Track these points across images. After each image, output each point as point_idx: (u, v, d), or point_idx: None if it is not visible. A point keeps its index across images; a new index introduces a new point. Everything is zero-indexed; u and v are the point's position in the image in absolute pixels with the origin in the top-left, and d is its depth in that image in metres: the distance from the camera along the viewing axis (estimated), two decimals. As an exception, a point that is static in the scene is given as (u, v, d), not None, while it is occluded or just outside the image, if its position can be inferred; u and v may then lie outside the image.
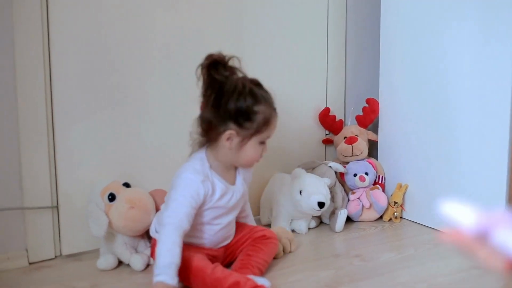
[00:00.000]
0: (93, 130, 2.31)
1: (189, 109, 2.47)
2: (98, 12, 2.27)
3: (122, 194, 2.20)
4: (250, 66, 2.58)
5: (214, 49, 2.47)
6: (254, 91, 1.99)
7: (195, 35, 2.46)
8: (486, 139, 2.32)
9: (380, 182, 2.77)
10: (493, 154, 2.30)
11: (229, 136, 1.99)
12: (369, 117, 2.82)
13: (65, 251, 2.32)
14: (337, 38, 2.83)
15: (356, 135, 2.77)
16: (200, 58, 2.44)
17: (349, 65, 2.89)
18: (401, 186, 2.71)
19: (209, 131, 2.03)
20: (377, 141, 2.83)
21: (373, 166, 2.74)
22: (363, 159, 2.76)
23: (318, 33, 2.78)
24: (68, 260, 2.30)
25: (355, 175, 2.71)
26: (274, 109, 2.03)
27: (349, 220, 2.69)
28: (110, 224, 2.18)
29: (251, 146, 2.02)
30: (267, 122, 2.00)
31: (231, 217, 2.16)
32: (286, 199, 2.53)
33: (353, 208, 2.68)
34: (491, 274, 0.86)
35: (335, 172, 2.67)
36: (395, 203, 2.70)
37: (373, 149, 2.88)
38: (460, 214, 0.86)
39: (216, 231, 2.12)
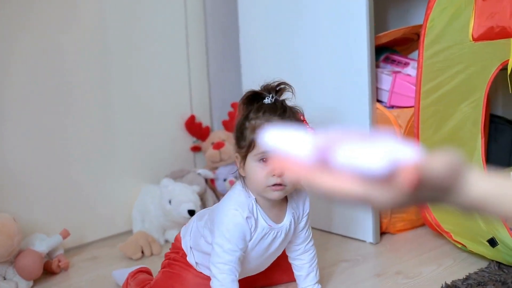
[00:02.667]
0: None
1: (53, 129, 2.44)
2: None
3: (-16, 221, 2.13)
4: (113, 80, 2.57)
5: (76, 69, 2.44)
6: (253, 107, 1.85)
7: (54, 48, 2.42)
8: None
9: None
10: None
11: (236, 159, 1.88)
12: (235, 121, 2.82)
13: None
14: (197, 45, 2.82)
15: (224, 140, 2.78)
16: (61, 82, 2.41)
17: (211, 71, 2.89)
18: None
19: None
20: (245, 144, 2.84)
21: (242, 169, 2.75)
22: (232, 163, 2.76)
23: (177, 42, 2.76)
24: None
25: (224, 180, 2.71)
26: (270, 120, 1.81)
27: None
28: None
29: (249, 165, 1.82)
30: (255, 136, 1.79)
31: (268, 260, 1.99)
32: (157, 209, 2.51)
33: (226, 212, 2.68)
34: (345, 199, 0.78)
35: (205, 179, 2.67)
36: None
37: (241, 152, 2.88)
38: (290, 141, 0.78)
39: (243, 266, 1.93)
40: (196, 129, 2.81)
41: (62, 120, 2.46)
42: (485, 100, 2.12)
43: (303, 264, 2.02)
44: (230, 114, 2.83)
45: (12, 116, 2.35)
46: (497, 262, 2.16)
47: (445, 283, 2.04)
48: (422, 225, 2.49)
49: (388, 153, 0.76)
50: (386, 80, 2.40)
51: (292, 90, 1.89)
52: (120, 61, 2.60)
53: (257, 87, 2.64)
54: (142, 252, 2.42)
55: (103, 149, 2.57)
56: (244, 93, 1.92)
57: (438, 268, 2.20)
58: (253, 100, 1.88)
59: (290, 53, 2.53)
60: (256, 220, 1.87)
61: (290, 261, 2.04)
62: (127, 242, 2.43)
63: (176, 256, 2.03)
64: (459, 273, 2.12)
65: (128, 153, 2.64)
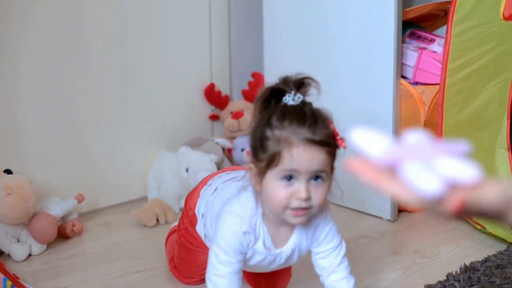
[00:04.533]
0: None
1: (69, 92, 2.42)
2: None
3: (0, 181, 2.12)
4: (132, 44, 2.54)
5: (94, 33, 2.41)
6: (275, 109, 1.48)
7: (74, 9, 2.38)
8: (372, 109, 2.35)
9: (268, 156, 2.75)
10: (378, 118, 2.33)
11: (250, 170, 1.54)
12: (254, 91, 2.79)
13: None
14: (219, 12, 2.79)
15: (242, 110, 2.75)
16: (78, 45, 2.38)
17: (233, 40, 2.86)
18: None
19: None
20: (264, 115, 2.81)
21: (260, 140, 2.73)
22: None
23: (199, 8, 2.73)
24: None
25: (242, 150, 2.69)
26: (300, 135, 1.44)
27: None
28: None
29: (269, 182, 1.48)
30: (280, 150, 1.45)
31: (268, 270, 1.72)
32: (173, 177, 2.49)
33: (242, 183, 2.66)
34: (403, 204, 0.86)
35: (223, 148, 2.65)
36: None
37: (260, 123, 2.85)
38: (370, 143, 0.85)
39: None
40: (215, 98, 2.78)
41: (80, 83, 2.43)
42: (513, 81, 2.09)
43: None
44: (250, 83, 2.80)
45: (28, 78, 2.32)
46: (516, 245, 2.14)
47: (464, 264, 2.01)
48: (440, 204, 2.46)
49: (447, 175, 0.83)
50: (411, 56, 2.36)
51: (317, 86, 1.51)
52: (140, 25, 2.56)
53: (278, 59, 2.63)
54: (157, 219, 2.41)
55: (119, 114, 2.55)
56: (263, 88, 1.55)
57: (456, 249, 2.18)
58: (273, 97, 1.51)
59: (315, 24, 2.48)
60: (256, 238, 1.59)
61: None
62: (142, 209, 2.42)
63: (188, 228, 1.86)
64: (478, 255, 2.10)
65: (145, 119, 2.61)
